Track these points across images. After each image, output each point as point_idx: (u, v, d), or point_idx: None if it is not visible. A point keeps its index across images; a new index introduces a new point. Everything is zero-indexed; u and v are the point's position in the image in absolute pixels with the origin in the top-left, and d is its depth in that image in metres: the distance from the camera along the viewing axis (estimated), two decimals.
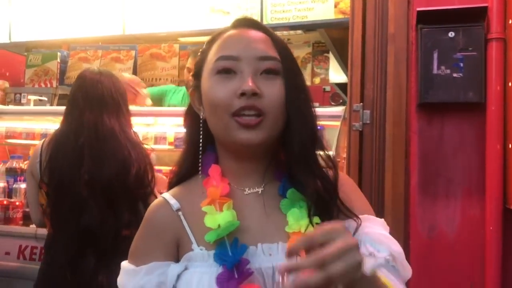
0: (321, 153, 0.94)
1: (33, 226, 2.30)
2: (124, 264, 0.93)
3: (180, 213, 0.93)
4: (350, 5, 1.91)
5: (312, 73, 5.17)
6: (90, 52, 3.53)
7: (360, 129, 1.81)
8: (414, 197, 1.72)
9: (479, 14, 1.61)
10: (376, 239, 0.89)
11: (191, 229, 0.91)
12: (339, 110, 2.02)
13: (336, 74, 4.04)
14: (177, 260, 0.90)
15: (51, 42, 3.32)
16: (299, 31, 4.53)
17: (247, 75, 0.88)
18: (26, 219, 2.41)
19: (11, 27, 3.15)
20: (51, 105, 3.23)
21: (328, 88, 5.14)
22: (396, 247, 0.90)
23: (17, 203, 2.48)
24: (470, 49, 1.62)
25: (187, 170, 0.98)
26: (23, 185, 2.51)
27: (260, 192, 0.94)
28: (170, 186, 1.00)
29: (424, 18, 1.66)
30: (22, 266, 2.24)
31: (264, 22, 2.71)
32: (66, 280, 1.83)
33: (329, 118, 2.09)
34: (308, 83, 5.18)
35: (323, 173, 0.91)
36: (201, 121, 0.95)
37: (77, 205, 1.87)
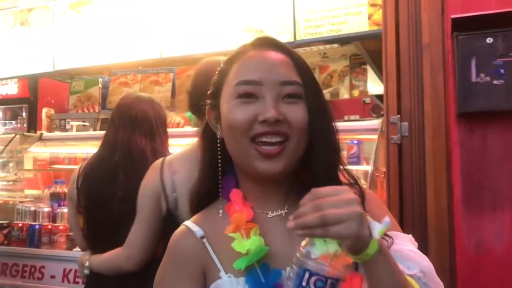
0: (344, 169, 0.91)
1: (76, 249, 2.35)
2: None
3: (204, 240, 0.90)
4: (382, 16, 1.87)
5: (350, 86, 5.12)
6: (130, 77, 3.62)
7: (399, 142, 1.76)
8: (458, 211, 1.64)
9: None
10: (405, 256, 0.86)
11: (217, 256, 0.88)
12: (376, 123, 1.98)
13: (374, 86, 3.98)
14: None
15: (92, 68, 3.44)
16: (335, 45, 4.51)
17: (269, 101, 0.86)
18: (70, 243, 2.47)
19: (55, 56, 3.29)
20: (94, 129, 3.33)
21: (368, 100, 5.07)
22: (426, 263, 0.87)
23: (60, 227, 2.55)
24: (511, 54, 1.55)
25: (207, 193, 0.96)
26: (66, 209, 2.57)
27: (283, 215, 0.91)
28: (192, 210, 0.98)
29: (460, 25, 1.61)
30: None
31: (297, 38, 2.71)
32: None
33: (366, 131, 2.04)
34: (346, 95, 5.15)
35: None
36: (218, 140, 0.93)
37: (113, 223, 1.89)
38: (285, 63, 0.90)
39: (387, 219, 0.77)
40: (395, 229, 0.91)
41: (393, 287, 0.76)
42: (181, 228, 0.95)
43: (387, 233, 0.87)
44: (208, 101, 0.96)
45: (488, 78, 1.57)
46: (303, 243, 0.75)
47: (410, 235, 0.92)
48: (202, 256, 0.89)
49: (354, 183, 0.91)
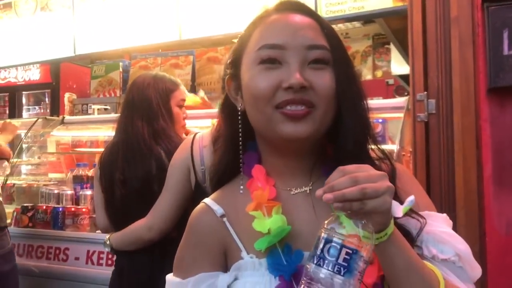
0: (375, 146, 0.86)
1: (99, 232, 2.37)
2: (169, 277, 0.88)
3: (225, 219, 0.87)
4: None
5: (373, 67, 5.00)
6: (150, 60, 3.61)
7: (426, 120, 1.70)
8: (489, 191, 1.58)
9: None
10: (439, 238, 0.81)
11: (238, 235, 0.85)
12: (401, 101, 1.91)
13: (398, 66, 3.89)
14: (225, 269, 0.85)
15: (113, 52, 3.43)
16: (357, 24, 4.41)
17: (294, 66, 0.80)
18: (93, 225, 2.49)
19: (75, 41, 3.28)
20: (115, 113, 3.33)
21: (391, 81, 4.96)
22: (462, 245, 0.82)
23: (83, 210, 2.56)
24: None
25: (227, 169, 0.92)
26: (88, 192, 2.60)
27: (308, 192, 0.86)
28: (211, 186, 0.94)
29: None
30: (90, 271, 2.31)
31: None
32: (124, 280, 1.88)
33: (392, 109, 1.98)
34: (369, 77, 5.05)
35: (377, 169, 0.84)
36: (239, 113, 0.88)
37: (118, 206, 1.93)
38: (311, 27, 0.83)
39: (411, 197, 0.73)
40: (429, 208, 0.86)
41: (407, 268, 0.72)
42: (200, 205, 0.91)
43: (421, 213, 0.82)
44: (228, 71, 0.91)
45: None
46: (327, 221, 0.71)
47: (445, 214, 0.87)
48: (222, 235, 0.86)
49: (384, 158, 0.86)
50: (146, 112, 1.94)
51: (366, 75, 5.07)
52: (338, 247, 0.67)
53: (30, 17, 3.52)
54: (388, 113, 2.04)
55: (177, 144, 1.83)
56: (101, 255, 2.28)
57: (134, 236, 1.82)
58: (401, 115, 1.95)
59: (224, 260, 0.86)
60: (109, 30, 3.23)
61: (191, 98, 2.74)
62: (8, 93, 5.62)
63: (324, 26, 0.85)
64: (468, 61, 1.62)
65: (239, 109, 0.88)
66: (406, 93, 4.41)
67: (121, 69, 3.65)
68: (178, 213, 1.74)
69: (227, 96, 0.91)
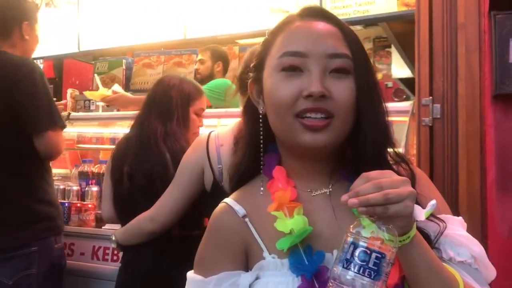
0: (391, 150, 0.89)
1: (105, 227, 2.39)
2: (191, 274, 0.90)
3: (247, 219, 0.88)
4: None
5: (374, 69, 5.04)
6: (153, 58, 3.62)
7: (430, 124, 1.72)
8: (492, 195, 1.61)
9: None
10: (455, 241, 0.83)
11: (260, 236, 0.86)
12: (407, 105, 1.94)
13: (399, 69, 3.91)
14: (246, 269, 0.86)
15: (116, 49, 3.44)
16: (358, 27, 4.43)
17: (315, 74, 0.81)
18: (99, 221, 2.50)
19: (80, 37, 3.29)
20: (118, 110, 3.34)
21: (390, 84, 4.98)
22: (477, 248, 0.85)
23: (89, 205, 2.57)
24: None
25: (248, 169, 0.93)
26: (94, 188, 2.61)
27: (328, 193, 0.88)
28: (231, 186, 0.96)
29: (498, 3, 1.56)
30: (96, 266, 2.33)
31: None
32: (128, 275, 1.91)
33: (397, 113, 2.00)
34: None
35: (397, 174, 0.86)
36: (260, 116, 0.90)
37: (126, 198, 1.97)
38: (333, 35, 0.85)
39: (433, 201, 0.76)
40: (445, 212, 0.89)
41: (428, 270, 0.75)
42: (221, 205, 0.93)
43: (439, 216, 0.85)
44: (251, 74, 0.93)
45: None
46: (352, 225, 0.74)
47: (460, 217, 0.90)
48: (244, 235, 0.87)
49: (402, 162, 0.89)
50: (164, 111, 1.97)
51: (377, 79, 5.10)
52: (368, 251, 0.69)
53: None
54: (393, 117, 2.07)
55: (183, 147, 1.87)
56: (107, 251, 2.30)
57: (136, 228, 1.84)
58: (406, 119, 1.97)
59: (246, 260, 0.87)
60: (113, 27, 3.24)
61: (100, 92, 2.78)
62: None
63: (347, 33, 0.87)
64: (474, 67, 1.64)
65: (261, 112, 0.89)
66: (404, 96, 4.45)
67: (124, 66, 3.67)
68: (182, 210, 1.76)
69: (249, 99, 0.94)
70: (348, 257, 0.70)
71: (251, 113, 0.93)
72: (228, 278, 0.84)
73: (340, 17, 2.65)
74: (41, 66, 3.77)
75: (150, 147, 1.93)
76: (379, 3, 2.56)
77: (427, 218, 0.80)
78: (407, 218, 0.71)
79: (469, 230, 1.61)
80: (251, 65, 0.93)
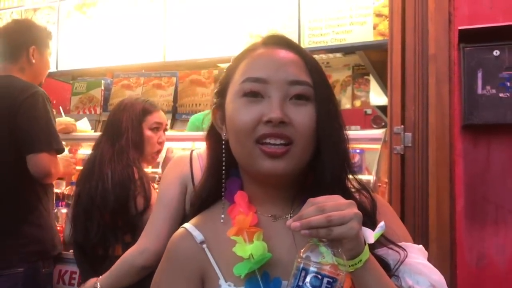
0: (353, 177, 0.89)
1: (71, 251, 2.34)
2: None
3: (204, 245, 0.88)
4: (388, 26, 1.87)
5: (352, 96, 5.11)
6: (132, 80, 3.61)
7: (402, 153, 1.75)
8: (461, 224, 1.63)
9: None
10: (414, 269, 0.83)
11: (217, 262, 0.86)
12: (379, 132, 1.96)
13: (377, 97, 3.97)
14: None
15: (95, 70, 3.42)
16: (338, 55, 4.51)
17: (275, 100, 0.82)
18: (66, 244, 2.44)
19: (58, 57, 3.27)
20: (95, 131, 3.31)
21: (369, 111, 5.05)
22: (436, 276, 0.85)
23: (58, 228, 2.50)
24: None
25: (210, 195, 0.93)
26: (64, 210, 2.56)
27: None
28: (193, 212, 0.95)
29: (467, 37, 1.60)
30: None
31: (302, 46, 2.70)
32: None
33: (369, 141, 2.03)
34: (348, 106, 5.14)
35: (357, 203, 0.86)
36: (223, 141, 0.90)
37: (73, 219, 2.01)
38: (295, 63, 0.86)
39: (382, 223, 0.77)
40: (406, 239, 0.89)
41: None
42: (180, 230, 0.92)
43: (400, 244, 0.85)
44: (215, 100, 0.93)
45: (494, 91, 1.56)
46: (302, 250, 0.74)
47: (421, 246, 0.90)
48: (201, 261, 0.87)
49: (362, 189, 0.89)
50: (114, 133, 2.00)
51: (345, 104, 5.17)
52: (319, 276, 0.69)
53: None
54: (366, 144, 2.09)
55: (128, 166, 1.91)
56: (73, 275, 2.24)
57: (125, 266, 1.66)
58: (379, 146, 2.00)
59: (202, 287, 0.86)
60: (93, 48, 3.23)
61: (65, 120, 2.83)
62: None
63: (309, 62, 0.88)
64: (444, 97, 1.68)
65: (223, 138, 0.90)
66: (383, 123, 4.51)
67: (102, 87, 3.64)
68: (171, 233, 1.68)
69: (212, 125, 0.94)
70: (300, 283, 0.70)
71: (214, 138, 0.94)
72: None
73: (317, 45, 2.70)
74: None
75: (94, 168, 1.96)
76: (356, 32, 2.61)
77: (381, 243, 0.81)
78: (354, 240, 0.72)
79: (438, 258, 1.63)
80: (214, 91, 0.94)
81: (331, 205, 0.73)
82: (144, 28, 3.07)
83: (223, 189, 0.91)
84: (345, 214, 0.72)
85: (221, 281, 0.84)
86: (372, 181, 1.92)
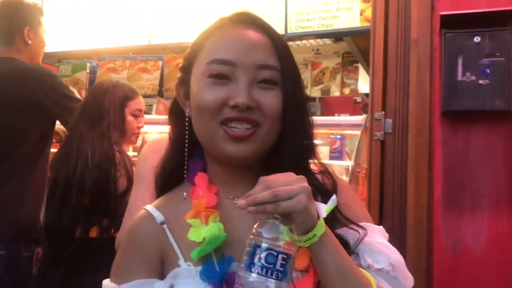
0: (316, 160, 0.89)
1: None
2: (106, 282, 0.87)
3: (164, 226, 0.86)
4: (372, 11, 1.86)
5: (342, 84, 5.07)
6: (118, 63, 3.56)
7: (382, 139, 1.75)
8: (438, 210, 1.63)
9: (506, 18, 1.54)
10: (374, 249, 0.83)
11: (177, 243, 0.85)
12: (360, 119, 1.96)
13: (365, 84, 3.96)
14: (161, 277, 0.84)
15: (81, 52, 3.39)
16: (328, 42, 4.48)
17: (242, 84, 0.81)
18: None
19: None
20: None
21: (359, 99, 5.04)
22: (395, 255, 0.85)
23: None
24: (497, 54, 1.54)
25: (173, 174, 0.92)
26: None
27: None
28: (156, 191, 0.94)
29: (448, 22, 1.59)
30: None
31: (289, 31, 2.68)
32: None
33: (351, 126, 2.03)
34: (337, 93, 5.13)
35: (318, 183, 0.86)
36: (186, 119, 0.88)
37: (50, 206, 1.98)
38: (264, 45, 0.84)
39: (333, 197, 0.77)
40: (366, 220, 0.89)
41: (340, 272, 0.75)
42: (141, 212, 0.91)
43: (360, 224, 0.85)
44: (178, 76, 0.92)
45: (474, 78, 1.56)
46: (255, 226, 0.74)
47: (381, 227, 0.90)
48: (161, 242, 0.85)
49: (325, 171, 0.89)
50: (94, 116, 1.96)
51: (335, 91, 5.14)
52: (274, 253, 0.69)
53: None
54: (347, 130, 2.09)
55: (110, 149, 1.90)
56: None
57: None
58: (359, 132, 2.00)
59: (161, 268, 0.85)
60: (78, 30, 3.19)
61: None
62: None
63: (278, 44, 0.86)
64: (425, 84, 1.67)
65: (187, 115, 0.88)
66: None
67: (88, 70, 3.60)
68: None
69: (176, 100, 0.92)
70: (254, 260, 0.69)
71: (177, 115, 0.92)
72: (141, 285, 0.82)
73: (304, 30, 2.69)
74: None
75: (71, 151, 1.93)
76: (342, 17, 2.60)
77: (338, 220, 0.82)
78: (303, 213, 0.71)
79: (415, 243, 1.64)
80: (180, 66, 0.92)
81: (278, 181, 0.72)
82: (130, 10, 3.03)
83: (185, 169, 0.90)
84: (292, 188, 0.71)
85: (181, 261, 0.83)
86: (350, 166, 1.93)
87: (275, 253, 0.69)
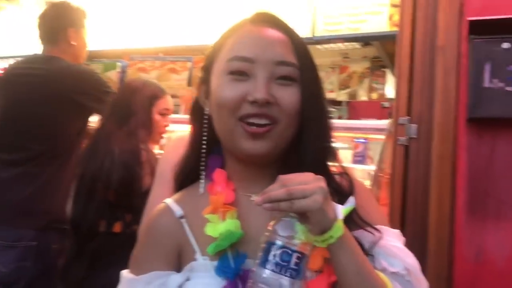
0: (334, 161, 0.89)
1: None
2: (124, 273, 0.90)
3: (183, 220, 0.88)
4: (399, 15, 1.84)
5: (369, 88, 5.04)
6: (148, 63, 3.62)
7: (406, 144, 1.73)
8: (461, 219, 1.61)
9: None
10: (389, 252, 0.84)
11: (195, 237, 0.87)
12: (384, 123, 1.94)
13: (393, 90, 3.92)
14: (178, 269, 0.86)
15: (112, 52, 3.46)
16: (357, 45, 4.46)
17: (261, 80, 0.82)
18: None
19: None
20: None
21: (387, 104, 4.98)
22: (410, 260, 0.85)
23: None
24: None
25: (192, 171, 0.94)
26: None
27: None
28: (175, 186, 0.96)
29: (477, 28, 1.57)
30: None
31: (316, 34, 2.68)
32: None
33: (374, 131, 2.01)
34: (365, 98, 5.10)
35: (335, 184, 0.87)
36: (206, 117, 0.90)
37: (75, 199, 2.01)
38: (283, 43, 0.86)
39: (351, 198, 0.77)
40: (383, 223, 0.89)
41: (357, 274, 0.75)
42: (161, 205, 0.93)
43: (376, 227, 0.85)
44: (200, 75, 0.94)
45: (501, 84, 1.53)
46: (271, 223, 0.74)
47: (398, 231, 0.90)
48: (179, 236, 0.87)
49: (343, 173, 0.89)
50: (122, 115, 1.99)
51: (362, 96, 5.11)
52: (289, 251, 0.70)
53: (34, 10, 3.55)
54: (372, 134, 2.08)
55: (136, 147, 1.92)
56: None
57: None
58: (383, 137, 1.98)
59: (178, 261, 0.87)
60: (110, 30, 3.27)
61: None
62: None
63: (296, 42, 0.88)
64: (451, 89, 1.66)
65: (206, 112, 0.91)
66: None
67: (118, 69, 3.68)
68: None
69: (196, 100, 0.95)
70: (269, 257, 0.70)
71: (197, 113, 0.94)
72: (158, 277, 0.84)
73: (331, 33, 2.69)
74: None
75: (99, 147, 1.97)
76: (370, 22, 2.59)
77: (354, 222, 0.82)
78: (318, 213, 0.71)
79: (436, 251, 1.62)
80: (201, 66, 0.94)
81: (295, 180, 0.73)
82: (161, 12, 3.09)
83: (203, 165, 0.92)
84: (307, 188, 0.71)
85: (198, 255, 0.85)
86: (373, 171, 1.91)
87: (289, 251, 0.70)
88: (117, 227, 1.91)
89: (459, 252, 1.60)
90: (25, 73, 2.25)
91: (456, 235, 1.61)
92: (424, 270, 1.58)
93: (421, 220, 1.67)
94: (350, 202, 0.77)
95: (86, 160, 2.02)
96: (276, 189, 0.73)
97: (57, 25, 2.33)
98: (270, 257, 0.70)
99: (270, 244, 0.71)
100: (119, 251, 1.69)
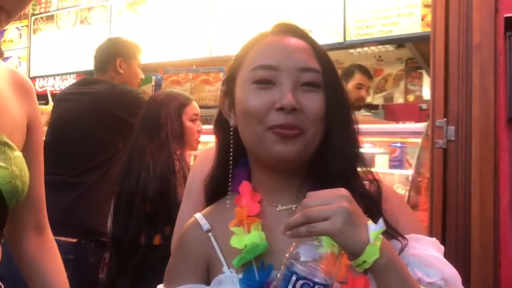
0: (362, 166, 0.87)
1: None
2: (159, 287, 0.91)
3: (210, 234, 0.89)
4: (431, 15, 1.80)
5: (405, 90, 4.96)
6: (181, 75, 3.67)
7: (444, 147, 1.69)
8: (505, 222, 1.55)
9: None
10: (425, 261, 0.80)
11: (222, 250, 0.87)
12: (420, 126, 1.90)
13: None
14: (207, 282, 0.86)
15: (147, 65, 3.53)
16: (390, 48, 4.40)
17: (286, 87, 0.82)
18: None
19: None
20: None
21: (424, 106, 4.88)
22: (448, 269, 0.80)
23: None
24: None
25: (219, 184, 0.94)
26: None
27: (294, 209, 0.87)
28: (206, 201, 0.97)
29: None
30: None
31: (347, 39, 2.66)
32: None
33: (410, 134, 1.97)
34: (401, 100, 5.00)
35: (364, 190, 0.85)
36: (231, 129, 0.90)
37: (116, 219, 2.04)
38: (305, 50, 0.87)
39: (380, 221, 0.72)
40: (417, 232, 0.86)
41: None
42: (191, 220, 0.94)
43: (409, 236, 0.82)
44: (223, 88, 0.94)
45: None
46: (294, 244, 0.71)
47: (434, 239, 0.86)
48: (207, 250, 0.88)
49: (373, 180, 0.87)
50: (152, 128, 2.02)
51: (398, 98, 5.03)
52: (310, 283, 0.67)
53: (70, 30, 3.68)
54: (408, 138, 2.03)
55: (169, 158, 1.94)
56: None
57: None
58: (419, 140, 1.94)
59: (207, 274, 0.88)
60: (144, 44, 3.33)
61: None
62: (45, 101, 5.81)
63: (317, 49, 0.88)
64: (489, 89, 1.60)
65: (231, 125, 0.91)
66: None
67: (153, 83, 3.74)
68: None
69: (220, 112, 0.95)
70: (286, 285, 0.67)
71: (222, 126, 0.94)
72: None
73: (363, 37, 2.65)
74: (74, 81, 3.95)
75: (133, 163, 2.01)
76: (403, 23, 2.54)
77: (389, 235, 0.78)
78: (340, 236, 0.67)
79: (481, 257, 1.56)
80: (223, 79, 0.94)
81: (315, 201, 0.70)
82: (192, 24, 3.13)
83: (230, 178, 0.92)
84: (326, 208, 0.68)
85: (225, 268, 0.85)
86: (411, 175, 1.87)
87: (311, 284, 0.66)
88: (157, 240, 1.94)
89: (504, 257, 1.54)
90: (76, 92, 2.50)
91: (501, 239, 1.55)
92: (468, 276, 1.54)
93: (463, 224, 1.62)
94: (380, 225, 0.72)
95: (122, 176, 2.06)
96: (297, 215, 0.70)
97: (108, 56, 2.57)
98: (290, 286, 0.66)
99: (292, 273, 0.68)
100: (160, 264, 1.72)
